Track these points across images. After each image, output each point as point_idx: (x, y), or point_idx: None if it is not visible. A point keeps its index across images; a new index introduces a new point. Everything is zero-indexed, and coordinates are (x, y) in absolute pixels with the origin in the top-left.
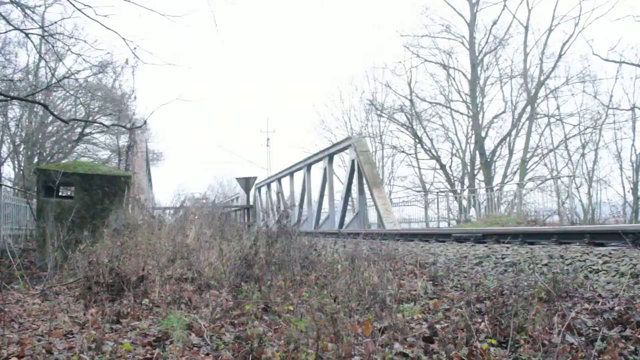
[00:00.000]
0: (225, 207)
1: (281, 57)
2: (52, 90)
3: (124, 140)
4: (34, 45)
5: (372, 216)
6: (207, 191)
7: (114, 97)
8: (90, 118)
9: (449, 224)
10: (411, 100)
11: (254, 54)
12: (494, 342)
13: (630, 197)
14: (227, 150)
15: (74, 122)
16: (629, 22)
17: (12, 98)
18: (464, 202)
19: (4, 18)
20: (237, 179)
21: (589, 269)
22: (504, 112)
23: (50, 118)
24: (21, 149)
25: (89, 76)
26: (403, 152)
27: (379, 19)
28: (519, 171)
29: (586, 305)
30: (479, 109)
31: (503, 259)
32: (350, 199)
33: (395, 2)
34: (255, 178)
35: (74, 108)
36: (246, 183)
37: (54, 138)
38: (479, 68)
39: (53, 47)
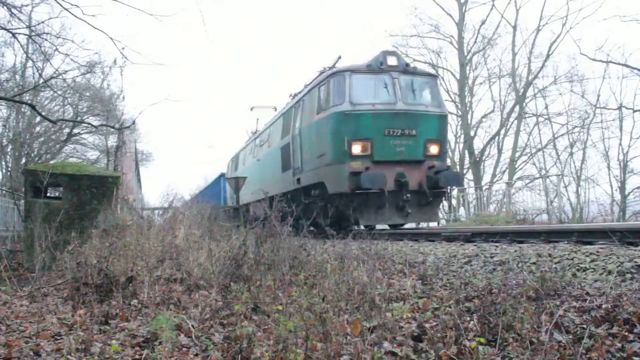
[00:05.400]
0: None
1: (270, 56)
2: (39, 91)
3: (112, 141)
4: (21, 45)
5: None
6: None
7: (103, 98)
8: (79, 118)
9: (438, 223)
10: None
11: (244, 53)
12: (482, 340)
13: (617, 196)
14: (217, 150)
15: (62, 123)
16: (615, 22)
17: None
18: (453, 202)
19: None
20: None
21: (577, 267)
22: (492, 111)
23: (38, 118)
24: (9, 150)
25: (77, 76)
26: None
27: (368, 19)
28: (507, 170)
29: (574, 303)
30: (467, 109)
31: (492, 257)
32: None
33: (385, 2)
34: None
35: (62, 108)
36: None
37: (42, 138)
38: (467, 68)
39: (40, 47)
